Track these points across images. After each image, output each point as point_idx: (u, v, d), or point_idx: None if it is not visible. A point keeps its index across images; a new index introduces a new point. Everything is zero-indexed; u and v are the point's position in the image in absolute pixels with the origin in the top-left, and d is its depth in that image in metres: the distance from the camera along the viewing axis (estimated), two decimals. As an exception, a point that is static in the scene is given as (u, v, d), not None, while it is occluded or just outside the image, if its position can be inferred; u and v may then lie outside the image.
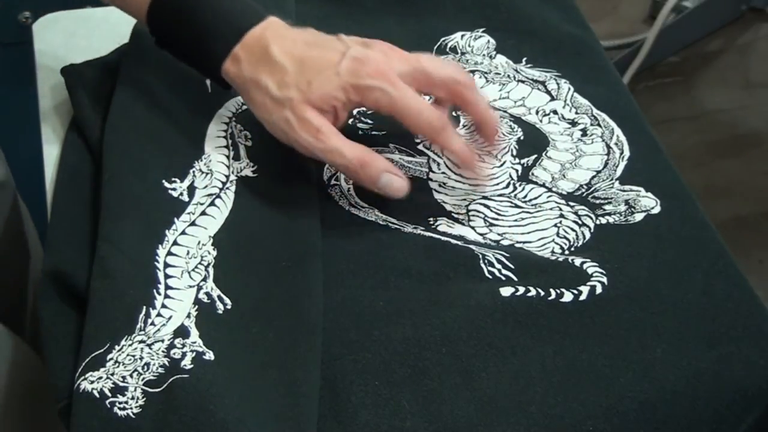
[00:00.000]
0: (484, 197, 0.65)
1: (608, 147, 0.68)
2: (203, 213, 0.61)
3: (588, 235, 0.62)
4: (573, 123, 0.70)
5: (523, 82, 0.73)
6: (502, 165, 0.67)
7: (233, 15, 0.62)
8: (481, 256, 0.60)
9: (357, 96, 0.59)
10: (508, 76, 0.73)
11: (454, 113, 0.70)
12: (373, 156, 0.60)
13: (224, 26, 0.62)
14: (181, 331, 0.54)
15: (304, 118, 0.59)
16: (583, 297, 0.57)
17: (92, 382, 0.50)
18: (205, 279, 0.57)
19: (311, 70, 0.60)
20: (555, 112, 0.71)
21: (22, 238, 0.81)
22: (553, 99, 0.72)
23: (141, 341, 0.53)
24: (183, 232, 0.59)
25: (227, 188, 0.63)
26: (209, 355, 0.52)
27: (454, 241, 0.61)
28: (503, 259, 0.60)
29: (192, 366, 0.52)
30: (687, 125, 1.79)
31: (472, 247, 0.61)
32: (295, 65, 0.60)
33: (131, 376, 0.51)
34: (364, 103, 0.60)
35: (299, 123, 0.59)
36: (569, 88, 0.72)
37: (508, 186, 0.66)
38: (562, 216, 0.63)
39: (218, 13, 0.62)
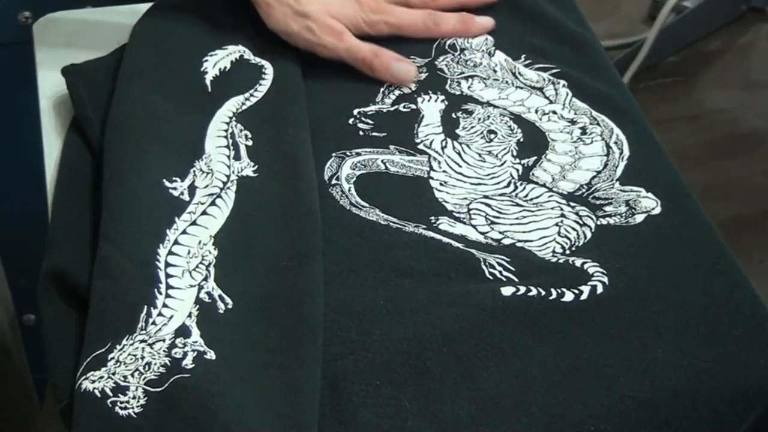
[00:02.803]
0: (485, 196, 0.65)
1: (608, 147, 0.68)
2: (204, 212, 0.61)
3: (589, 235, 0.62)
4: (572, 122, 0.70)
5: (521, 88, 0.73)
6: (502, 164, 0.67)
7: None
8: (482, 260, 0.60)
9: (368, 27, 0.73)
10: (506, 81, 0.73)
11: (453, 115, 0.70)
12: (384, 49, 0.72)
13: None
14: (183, 331, 0.54)
15: (326, 24, 0.71)
16: (584, 297, 0.57)
17: (93, 381, 0.50)
18: (206, 278, 0.57)
19: None
20: (554, 112, 0.71)
21: None
22: (551, 103, 0.72)
23: (142, 341, 0.53)
24: (184, 232, 0.59)
25: (228, 188, 0.63)
26: (210, 355, 0.52)
27: (455, 244, 0.61)
28: (504, 263, 0.60)
29: (193, 365, 0.52)
30: (687, 125, 1.79)
31: (473, 251, 0.61)
32: None
33: (132, 375, 0.51)
34: (372, 34, 0.73)
35: (322, 29, 0.71)
36: (567, 93, 0.72)
37: (509, 185, 0.66)
38: (563, 215, 0.63)
39: None
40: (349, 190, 0.65)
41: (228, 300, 0.56)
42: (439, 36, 0.76)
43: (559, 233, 0.62)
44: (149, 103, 0.67)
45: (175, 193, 0.62)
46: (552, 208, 0.64)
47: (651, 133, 0.70)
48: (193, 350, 0.53)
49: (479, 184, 0.66)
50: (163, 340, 0.53)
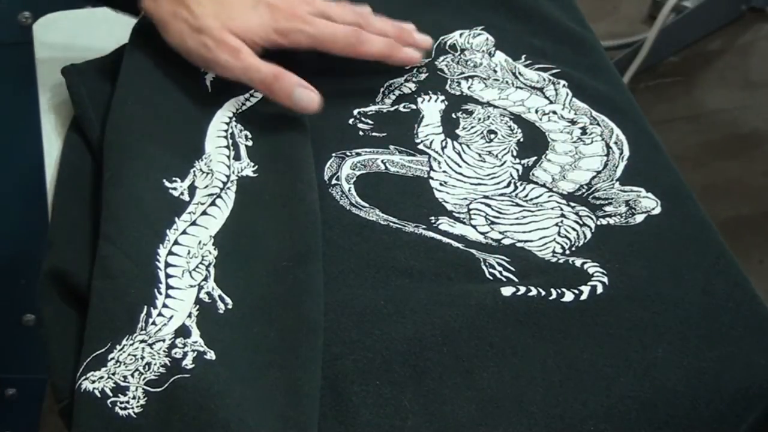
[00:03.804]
0: (485, 196, 0.65)
1: (608, 147, 0.68)
2: (204, 213, 0.61)
3: (589, 235, 0.62)
4: (572, 122, 0.70)
5: (521, 88, 0.73)
6: (502, 164, 0.67)
7: None
8: (482, 260, 0.60)
9: (280, 38, 0.66)
10: (507, 81, 0.73)
11: (453, 115, 0.70)
12: (287, 72, 0.65)
13: None
14: (183, 331, 0.54)
15: (223, 41, 0.65)
16: (584, 297, 0.58)
17: (93, 381, 0.50)
18: (206, 278, 0.57)
19: (230, 7, 0.66)
20: (554, 112, 0.71)
21: None
22: (551, 103, 0.72)
23: (142, 341, 0.53)
24: (184, 232, 0.59)
25: (228, 188, 0.63)
26: (210, 355, 0.52)
27: (455, 244, 0.61)
28: (504, 263, 0.60)
29: (193, 366, 0.52)
30: (687, 125, 1.79)
31: (473, 251, 0.61)
32: (214, 3, 0.66)
33: (132, 375, 0.51)
34: (286, 45, 0.66)
35: (218, 46, 0.65)
36: (567, 93, 0.72)
37: (509, 185, 0.66)
38: (563, 215, 0.63)
39: None
40: (349, 190, 0.65)
41: (228, 300, 0.56)
42: (360, 56, 0.69)
43: (559, 233, 0.62)
44: (149, 103, 0.67)
45: (175, 194, 0.62)
46: (552, 208, 0.64)
47: (651, 133, 0.70)
48: (193, 350, 0.53)
49: (479, 184, 0.66)
50: (163, 341, 0.53)
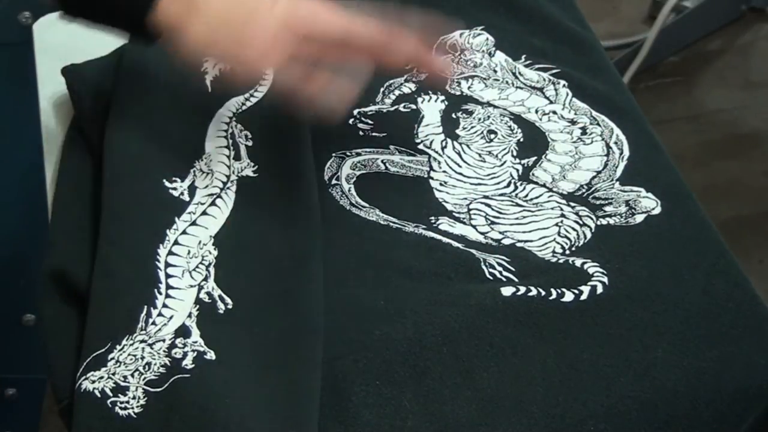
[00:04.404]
0: (485, 196, 0.65)
1: (608, 147, 0.68)
2: (204, 213, 0.61)
3: (589, 235, 0.62)
4: (572, 122, 0.70)
5: (521, 88, 0.73)
6: (502, 164, 0.67)
7: None
8: (482, 260, 0.60)
9: (307, 21, 0.58)
10: (507, 81, 0.73)
11: (453, 115, 0.70)
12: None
13: None
14: (183, 331, 0.54)
15: (253, 19, 0.58)
16: (584, 297, 0.58)
17: (93, 381, 0.50)
18: (206, 279, 0.57)
19: (242, 20, 0.59)
20: (554, 112, 0.71)
21: None
22: (551, 103, 0.72)
23: (142, 341, 0.53)
24: (184, 232, 0.59)
25: (228, 188, 0.63)
26: (210, 355, 0.52)
27: (455, 244, 0.61)
28: (504, 263, 0.60)
29: (193, 366, 0.52)
30: (687, 125, 1.79)
31: (473, 251, 0.61)
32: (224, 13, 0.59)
33: (132, 375, 0.51)
34: (314, 32, 0.58)
35: (249, 21, 0.58)
36: (567, 93, 0.72)
37: (509, 185, 0.66)
38: (563, 216, 0.63)
39: None
40: (349, 190, 0.65)
41: (228, 300, 0.56)
42: (390, 52, 0.61)
43: (559, 233, 0.62)
44: (149, 103, 0.67)
45: (175, 194, 0.62)
46: (552, 208, 0.64)
47: (651, 133, 0.70)
48: (193, 350, 0.53)
49: (479, 184, 0.66)
50: (163, 341, 0.53)
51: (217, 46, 0.60)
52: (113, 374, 0.51)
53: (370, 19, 0.60)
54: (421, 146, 0.68)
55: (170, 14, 0.60)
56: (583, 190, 0.65)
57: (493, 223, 0.63)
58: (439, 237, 0.62)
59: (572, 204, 0.64)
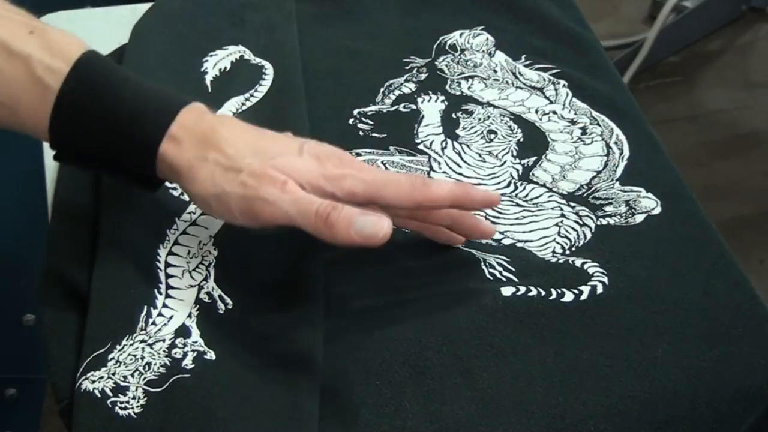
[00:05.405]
0: (485, 197, 0.65)
1: (608, 147, 0.68)
2: (204, 213, 0.61)
3: (589, 235, 0.62)
4: (572, 122, 0.70)
5: (521, 88, 0.73)
6: (502, 164, 0.67)
7: (160, 96, 0.56)
8: (482, 260, 0.60)
9: (329, 184, 0.54)
10: (507, 81, 0.73)
11: (453, 115, 0.70)
12: (343, 204, 0.52)
13: (154, 107, 0.55)
14: (183, 331, 0.54)
15: (265, 174, 0.53)
16: (584, 297, 0.58)
17: (93, 381, 0.50)
18: (206, 279, 0.57)
19: (272, 149, 0.55)
20: (554, 112, 0.71)
21: None
22: (551, 103, 0.72)
23: (142, 341, 0.53)
24: (184, 232, 0.59)
25: (228, 188, 0.63)
26: (210, 355, 0.52)
27: (455, 243, 0.61)
28: (504, 263, 0.60)
29: (193, 366, 0.52)
30: (687, 125, 1.79)
31: (473, 251, 0.61)
32: (250, 146, 0.55)
33: (132, 375, 0.51)
34: (337, 194, 0.54)
35: (260, 180, 0.53)
36: (567, 93, 0.72)
37: (509, 185, 0.66)
38: (563, 216, 0.63)
39: (142, 95, 0.55)
40: (349, 190, 0.65)
41: (228, 300, 0.56)
42: (427, 203, 0.55)
43: (559, 233, 0.62)
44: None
45: (176, 193, 0.62)
46: (552, 208, 0.64)
47: (651, 133, 0.70)
48: (193, 350, 0.53)
49: (479, 184, 0.66)
50: (163, 341, 0.53)
51: (227, 194, 0.54)
52: (113, 374, 0.51)
53: (400, 176, 0.55)
54: (421, 146, 0.68)
55: (183, 147, 0.55)
56: (583, 190, 0.65)
57: (493, 222, 0.63)
58: (439, 237, 0.62)
59: (572, 204, 0.64)
